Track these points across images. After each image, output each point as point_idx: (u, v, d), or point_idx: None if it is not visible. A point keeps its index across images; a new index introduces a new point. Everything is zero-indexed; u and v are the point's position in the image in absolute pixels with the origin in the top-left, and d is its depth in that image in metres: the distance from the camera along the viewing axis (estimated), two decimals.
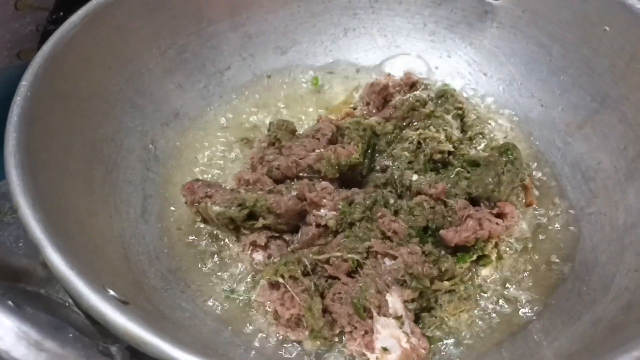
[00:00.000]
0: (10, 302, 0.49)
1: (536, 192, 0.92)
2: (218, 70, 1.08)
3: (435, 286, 0.77)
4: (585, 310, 0.73)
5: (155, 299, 0.74)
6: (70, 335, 0.67)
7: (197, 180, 0.88)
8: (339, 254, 0.78)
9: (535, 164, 0.97)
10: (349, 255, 0.77)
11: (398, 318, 0.76)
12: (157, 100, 0.98)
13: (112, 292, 0.62)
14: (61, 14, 1.11)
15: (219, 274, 0.84)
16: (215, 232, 0.87)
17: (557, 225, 0.89)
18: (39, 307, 0.59)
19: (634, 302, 0.68)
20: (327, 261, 0.78)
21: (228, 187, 0.87)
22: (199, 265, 0.85)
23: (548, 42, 1.00)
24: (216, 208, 0.81)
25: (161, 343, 0.53)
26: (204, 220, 0.87)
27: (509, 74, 1.06)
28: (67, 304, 0.58)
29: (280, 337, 0.76)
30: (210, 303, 0.80)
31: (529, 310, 0.80)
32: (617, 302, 0.70)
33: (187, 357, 0.52)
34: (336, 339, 0.75)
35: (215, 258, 0.86)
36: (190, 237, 0.88)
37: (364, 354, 0.74)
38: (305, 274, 0.77)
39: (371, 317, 0.75)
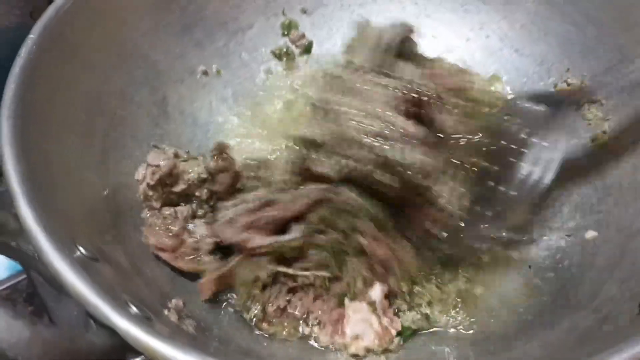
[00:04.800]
0: None
1: None
2: (240, 28, 1.06)
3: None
4: (567, 315, 0.70)
5: (137, 254, 0.76)
6: None
7: None
8: (307, 272, 0.76)
9: None
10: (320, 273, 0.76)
11: (370, 303, 0.75)
12: (173, 57, 0.99)
13: (81, 250, 0.64)
14: None
15: None
16: None
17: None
18: (9, 257, 0.62)
19: (611, 314, 0.64)
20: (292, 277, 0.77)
21: None
22: None
23: (583, 21, 0.92)
24: None
25: (104, 307, 0.54)
26: None
27: (541, 53, 0.99)
28: (36, 256, 0.61)
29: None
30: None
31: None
32: (598, 313, 0.67)
33: (127, 324, 0.54)
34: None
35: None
36: None
37: (336, 342, 0.74)
38: (265, 287, 0.76)
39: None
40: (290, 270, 0.76)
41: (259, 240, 0.76)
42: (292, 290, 0.77)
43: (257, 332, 0.75)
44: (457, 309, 0.78)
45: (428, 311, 0.77)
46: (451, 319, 0.78)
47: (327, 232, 0.76)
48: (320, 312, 0.76)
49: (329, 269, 0.76)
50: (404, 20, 1.04)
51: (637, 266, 0.70)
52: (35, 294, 0.91)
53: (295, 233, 0.77)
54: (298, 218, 0.77)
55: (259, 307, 0.75)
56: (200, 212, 0.82)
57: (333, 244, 0.76)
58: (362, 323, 0.73)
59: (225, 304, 0.78)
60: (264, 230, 0.77)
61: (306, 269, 0.76)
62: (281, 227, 0.78)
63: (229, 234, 0.77)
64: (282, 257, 0.76)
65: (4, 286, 0.92)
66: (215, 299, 0.77)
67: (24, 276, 0.92)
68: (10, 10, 1.00)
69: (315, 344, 0.75)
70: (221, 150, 0.82)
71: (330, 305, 0.76)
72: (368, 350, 0.71)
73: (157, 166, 0.78)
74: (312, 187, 0.78)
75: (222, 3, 1.03)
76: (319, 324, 0.75)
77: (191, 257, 0.78)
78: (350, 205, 0.76)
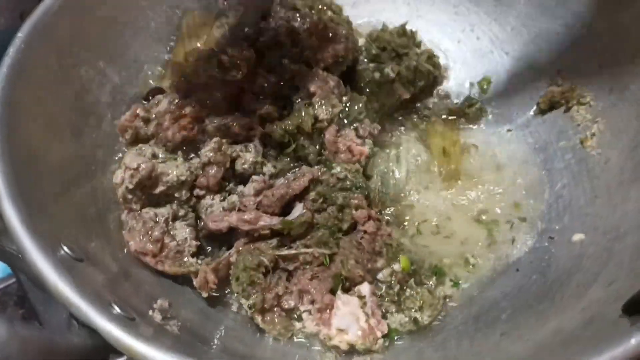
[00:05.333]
0: None
1: None
2: None
3: None
4: (554, 317, 0.70)
5: (124, 255, 0.76)
6: None
7: None
8: (309, 250, 0.78)
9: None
10: (320, 251, 0.78)
11: (361, 297, 0.75)
12: (165, 56, 0.99)
13: (66, 250, 0.64)
14: None
15: None
16: None
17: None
18: None
19: (596, 316, 0.64)
20: (293, 257, 0.78)
21: None
22: None
23: (575, 24, 0.92)
24: None
25: (86, 307, 0.54)
26: None
27: (532, 56, 0.99)
28: (19, 255, 0.61)
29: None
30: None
31: (502, 309, 0.77)
32: (584, 314, 0.66)
33: (109, 325, 0.54)
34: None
35: None
36: None
37: (322, 332, 0.74)
38: (267, 273, 0.77)
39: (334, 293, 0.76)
40: (292, 251, 0.77)
41: (268, 219, 0.78)
42: (290, 276, 0.78)
43: (248, 328, 0.76)
44: (445, 313, 0.79)
45: (418, 315, 0.77)
46: (438, 322, 0.78)
47: (325, 210, 0.80)
48: (314, 290, 0.76)
49: (329, 246, 0.78)
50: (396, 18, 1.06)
51: (623, 269, 0.70)
52: (26, 297, 0.90)
53: (300, 210, 0.79)
54: (299, 197, 0.81)
55: (259, 293, 0.75)
56: (181, 212, 0.82)
57: (330, 221, 0.79)
58: (349, 317, 0.73)
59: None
60: (269, 212, 0.79)
61: (308, 247, 0.78)
62: (282, 208, 0.81)
63: (235, 216, 0.78)
64: (282, 242, 0.79)
65: None
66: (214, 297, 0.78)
67: (13, 280, 0.92)
68: (0, 13, 0.99)
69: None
70: (220, 146, 0.82)
71: (325, 286, 0.77)
72: (350, 345, 0.71)
73: (136, 169, 0.77)
74: (305, 168, 0.83)
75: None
76: (312, 303, 0.76)
77: (174, 260, 0.77)
78: (344, 182, 0.82)
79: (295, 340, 0.75)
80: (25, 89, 0.75)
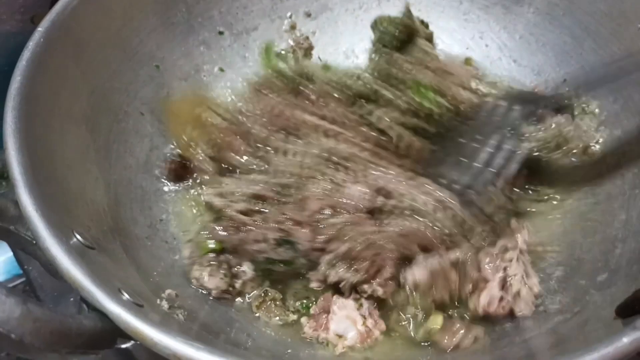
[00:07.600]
0: None
1: None
2: (245, 29, 1.09)
3: None
4: (550, 320, 0.71)
5: (133, 245, 0.79)
6: None
7: None
8: None
9: None
10: None
11: (357, 300, 0.77)
12: (179, 55, 1.01)
13: (78, 237, 0.66)
14: None
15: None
16: None
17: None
18: (8, 242, 0.64)
19: (591, 319, 0.66)
20: None
21: None
22: (192, 220, 0.89)
23: (581, 34, 0.94)
24: None
25: (97, 292, 0.56)
26: None
27: (538, 64, 1.01)
28: (34, 242, 0.63)
29: None
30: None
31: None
32: (579, 317, 0.68)
33: (118, 309, 0.56)
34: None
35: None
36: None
37: (320, 336, 0.76)
38: None
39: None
40: None
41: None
42: None
43: (251, 319, 0.79)
44: None
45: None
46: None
47: None
48: None
49: None
50: None
51: (620, 273, 0.71)
52: (36, 296, 0.91)
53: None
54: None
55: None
56: None
57: None
58: (346, 320, 0.75)
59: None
60: None
61: None
62: None
63: None
64: None
65: None
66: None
67: (20, 280, 0.93)
68: (11, 16, 1.00)
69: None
70: None
71: None
72: (351, 349, 0.73)
73: None
74: None
75: (229, 4, 1.06)
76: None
77: None
78: None
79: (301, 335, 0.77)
80: (43, 82, 0.77)
